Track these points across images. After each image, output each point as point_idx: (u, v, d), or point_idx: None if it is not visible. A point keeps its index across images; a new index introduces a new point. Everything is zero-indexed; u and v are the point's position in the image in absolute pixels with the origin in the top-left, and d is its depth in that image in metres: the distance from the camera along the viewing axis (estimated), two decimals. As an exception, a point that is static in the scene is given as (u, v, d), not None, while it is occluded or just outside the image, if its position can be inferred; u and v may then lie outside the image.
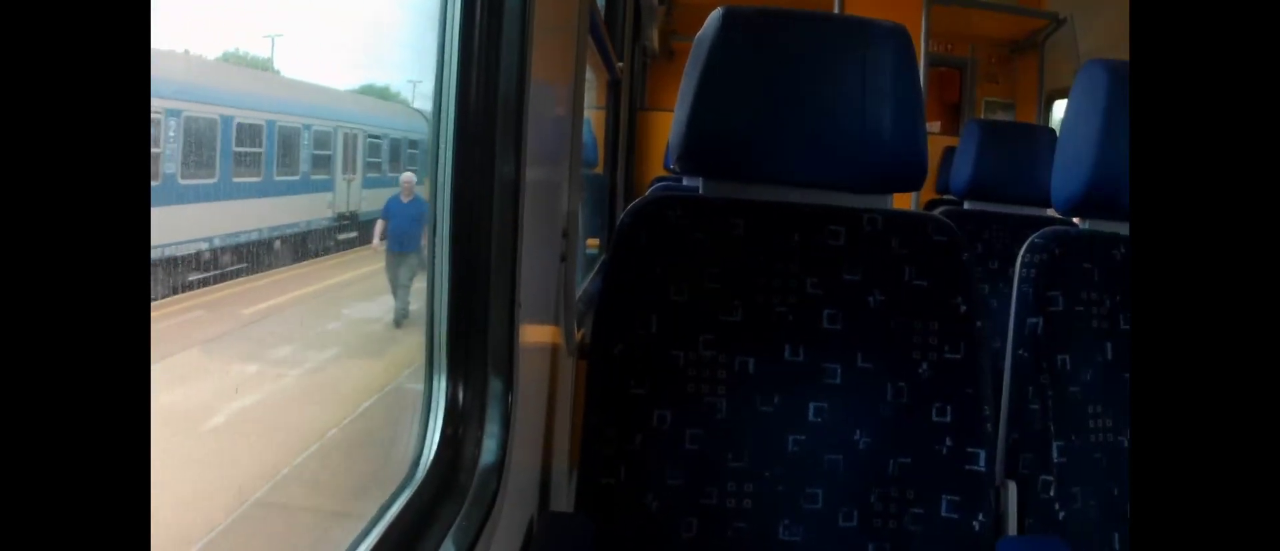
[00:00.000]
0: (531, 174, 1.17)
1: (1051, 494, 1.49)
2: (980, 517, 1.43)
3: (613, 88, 4.04)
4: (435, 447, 1.08)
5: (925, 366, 1.45)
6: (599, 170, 4.19)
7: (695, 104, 1.46)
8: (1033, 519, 1.49)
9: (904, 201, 4.15)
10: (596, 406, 1.43)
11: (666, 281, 1.45)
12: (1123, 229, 1.59)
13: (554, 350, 1.55)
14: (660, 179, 4.70)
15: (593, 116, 4.04)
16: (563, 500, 1.68)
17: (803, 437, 1.44)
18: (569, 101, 1.58)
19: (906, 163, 1.49)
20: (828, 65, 1.47)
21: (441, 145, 1.11)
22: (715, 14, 1.48)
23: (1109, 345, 1.54)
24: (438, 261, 1.12)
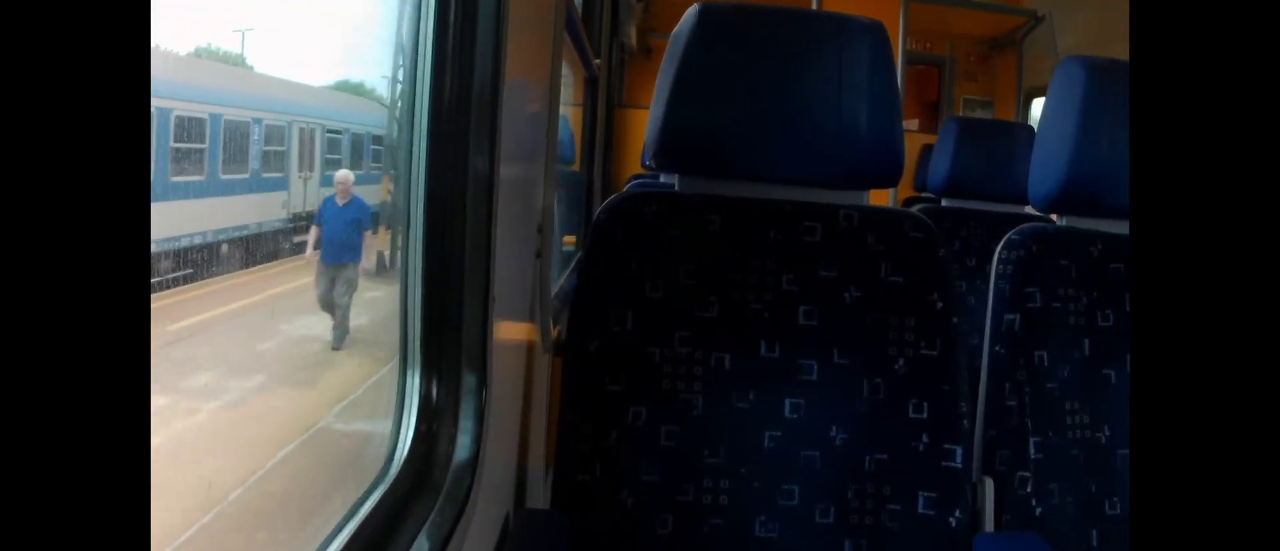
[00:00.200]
0: (506, 170, 1.16)
1: (1028, 490, 1.49)
2: (957, 514, 1.43)
3: (590, 84, 4.03)
4: (409, 444, 1.08)
5: (902, 363, 1.45)
6: (576, 167, 4.19)
7: (671, 100, 1.46)
8: (1010, 515, 1.49)
9: (882, 199, 4.17)
10: (572, 403, 1.43)
11: (642, 278, 1.45)
12: (1100, 226, 1.60)
13: (530, 347, 1.55)
14: (637, 176, 4.70)
15: (570, 113, 4.04)
16: (539, 497, 1.67)
17: (779, 434, 1.44)
18: (545, 98, 1.57)
19: (883, 158, 1.49)
20: (804, 61, 1.47)
21: (415, 141, 1.10)
22: (692, 10, 1.47)
23: (1086, 342, 1.55)
24: (411, 257, 1.11)
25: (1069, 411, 1.52)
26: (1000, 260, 1.56)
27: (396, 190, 1.12)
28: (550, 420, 1.72)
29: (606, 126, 4.72)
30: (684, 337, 1.44)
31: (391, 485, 1.03)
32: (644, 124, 1.58)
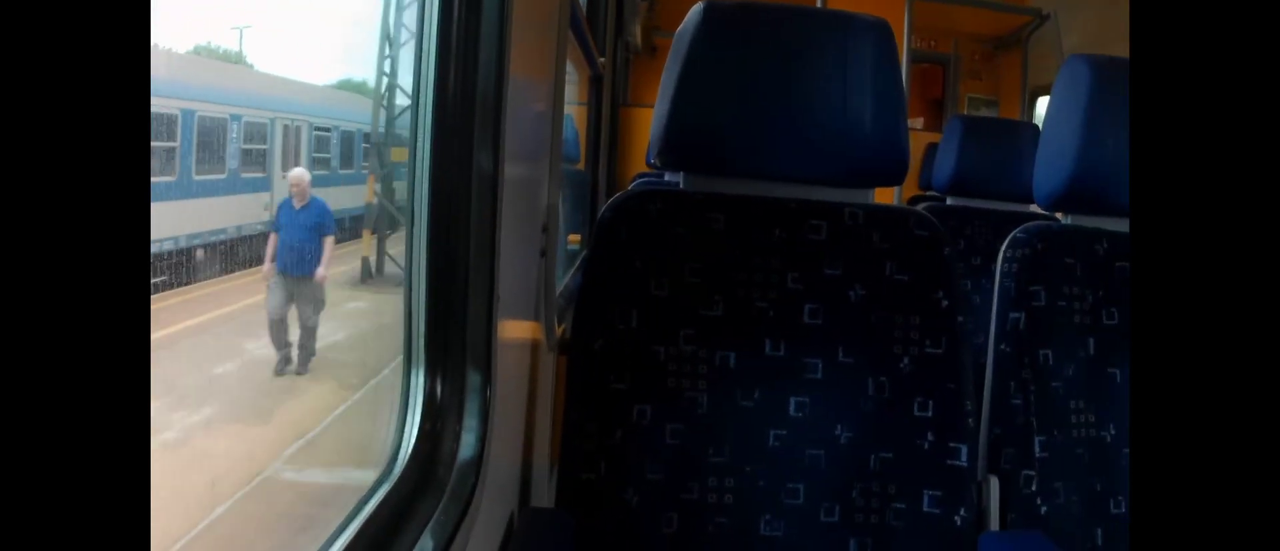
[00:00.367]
0: (511, 169, 1.17)
1: (1033, 489, 1.49)
2: (962, 512, 1.43)
3: (594, 83, 4.03)
4: (413, 442, 1.08)
5: (907, 361, 1.45)
6: (581, 166, 4.19)
7: (676, 98, 1.46)
8: (1015, 514, 1.49)
9: (886, 197, 4.16)
10: (577, 401, 1.43)
11: (647, 276, 1.44)
12: (1105, 224, 1.60)
13: (535, 345, 1.55)
14: (642, 175, 4.69)
15: (575, 112, 4.04)
16: (544, 496, 1.67)
17: (784, 432, 1.44)
18: (549, 97, 1.57)
19: (887, 156, 1.49)
20: (809, 59, 1.47)
21: (419, 139, 1.10)
22: (696, 8, 1.47)
23: (1091, 340, 1.55)
24: (415, 255, 1.11)
25: (1074, 410, 1.52)
26: (1005, 258, 1.56)
27: (383, 189, 1.10)
28: (555, 418, 1.73)
29: (611, 125, 4.72)
30: (689, 336, 1.44)
31: (396, 483, 1.03)
32: (649, 122, 1.58)
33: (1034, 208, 2.85)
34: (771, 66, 1.47)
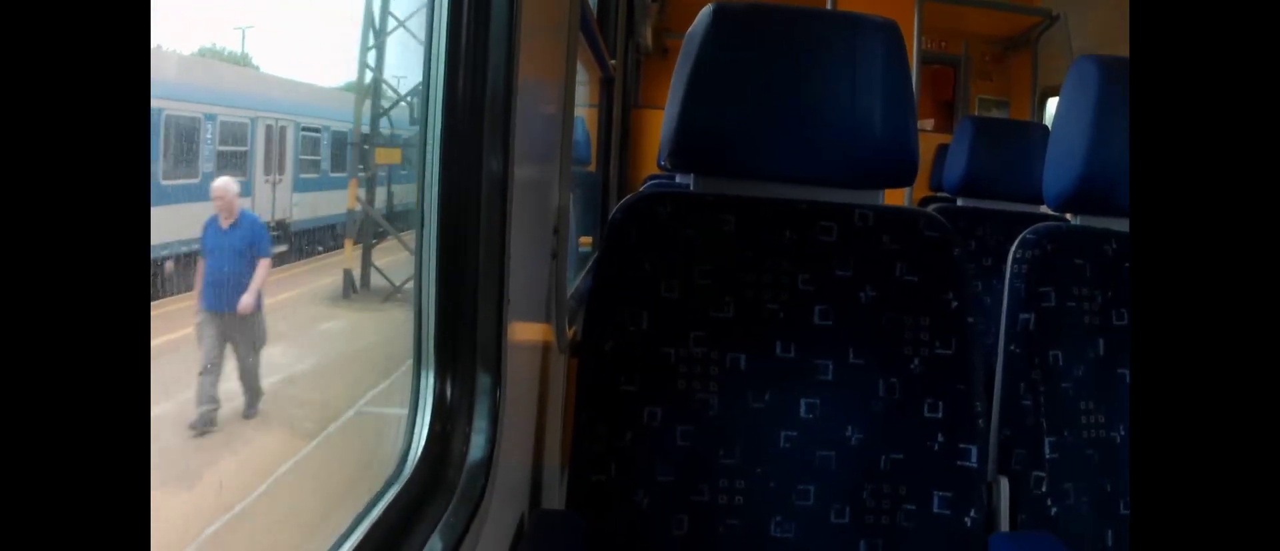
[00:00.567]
0: (521, 171, 1.17)
1: (1043, 490, 1.49)
2: (972, 513, 1.43)
3: (605, 85, 4.03)
4: (423, 443, 1.08)
5: (917, 362, 1.45)
6: (592, 168, 4.19)
7: (686, 100, 1.46)
8: (1025, 515, 1.49)
9: (897, 198, 4.15)
10: (587, 403, 1.43)
11: (657, 278, 1.45)
12: (1114, 225, 1.60)
13: (545, 347, 1.55)
14: (653, 177, 4.69)
15: (586, 114, 4.04)
16: (554, 497, 1.67)
17: (794, 434, 1.44)
18: (560, 99, 1.57)
19: (898, 158, 1.49)
20: (818, 61, 1.47)
21: (428, 142, 1.11)
22: (706, 10, 1.47)
23: (1101, 341, 1.54)
24: (425, 257, 1.11)
25: (1084, 411, 1.52)
26: (1015, 259, 1.56)
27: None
28: (566, 420, 1.73)
29: (622, 127, 4.72)
30: (699, 338, 1.44)
31: (405, 484, 1.04)
32: (660, 124, 1.58)
33: (1044, 209, 2.86)
34: (781, 68, 1.47)
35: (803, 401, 1.44)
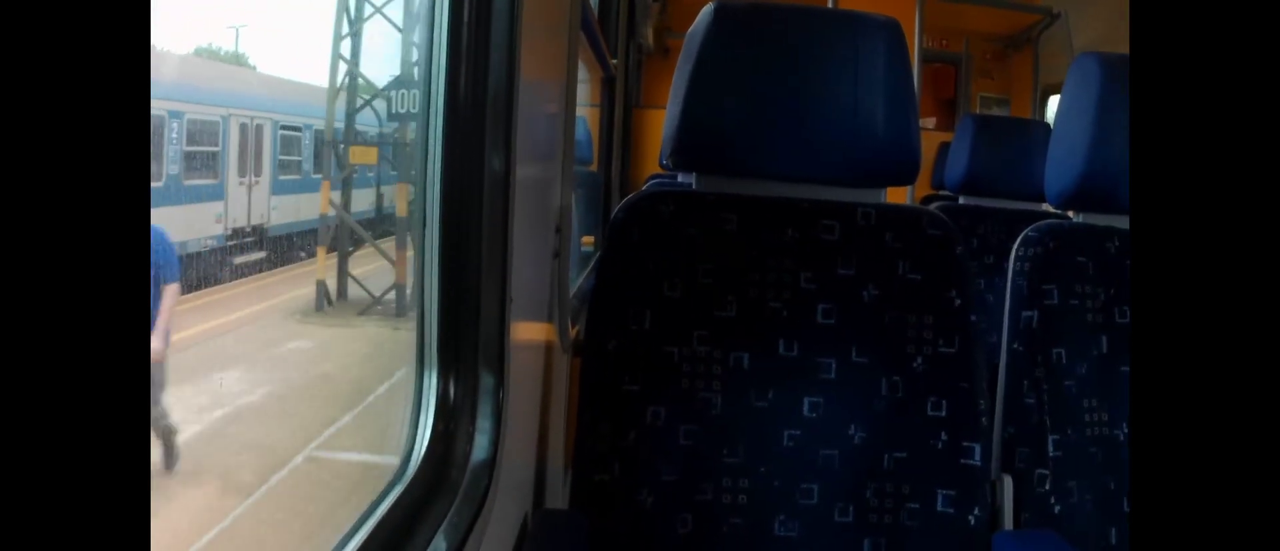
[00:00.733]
0: (523, 171, 1.17)
1: (1047, 488, 1.49)
2: (976, 512, 1.43)
3: (607, 85, 4.03)
4: (426, 443, 1.08)
5: (920, 361, 1.45)
6: (594, 168, 4.19)
7: (688, 99, 1.46)
8: (1028, 513, 1.49)
9: (899, 197, 4.15)
10: (590, 403, 1.43)
11: (660, 277, 1.45)
12: (1117, 222, 1.59)
13: (548, 347, 1.55)
14: (655, 176, 4.70)
15: (587, 114, 4.04)
16: (558, 497, 1.67)
17: (798, 433, 1.44)
18: (561, 98, 1.57)
19: (900, 156, 1.49)
20: (820, 59, 1.47)
21: (430, 141, 1.11)
22: (707, 9, 1.47)
23: (1104, 338, 1.54)
24: (427, 256, 1.11)
25: (1087, 409, 1.52)
26: (1017, 257, 1.56)
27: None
28: (569, 420, 1.73)
29: (624, 126, 4.72)
30: (702, 337, 1.44)
31: (408, 484, 1.04)
32: (661, 124, 1.58)
33: (1046, 206, 2.86)
34: (783, 67, 1.47)
35: (806, 400, 1.44)
